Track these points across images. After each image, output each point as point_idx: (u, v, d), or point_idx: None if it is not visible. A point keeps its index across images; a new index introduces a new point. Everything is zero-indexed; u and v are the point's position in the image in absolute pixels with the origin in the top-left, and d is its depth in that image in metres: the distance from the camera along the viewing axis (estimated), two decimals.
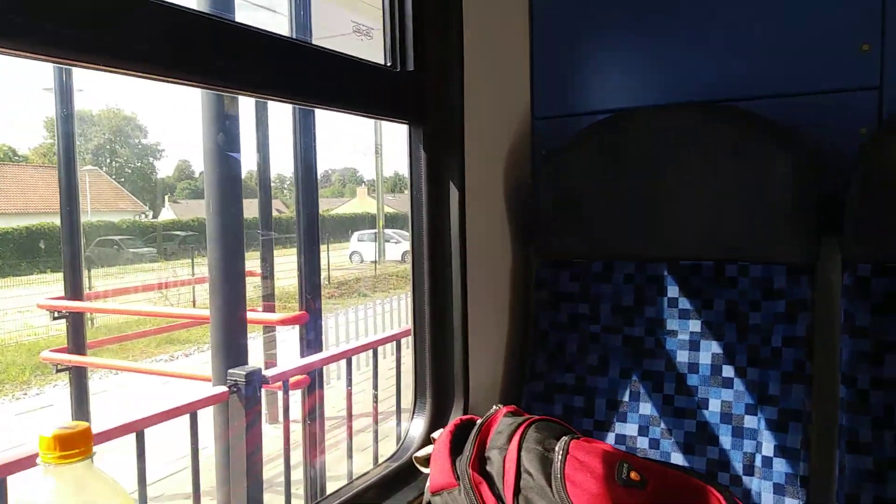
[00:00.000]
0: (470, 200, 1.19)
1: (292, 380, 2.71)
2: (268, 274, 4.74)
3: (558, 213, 1.27)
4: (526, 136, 1.39)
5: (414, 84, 1.14)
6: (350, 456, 2.76)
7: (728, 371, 1.13)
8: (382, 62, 1.13)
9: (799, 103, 1.17)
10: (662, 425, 1.17)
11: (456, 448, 1.04)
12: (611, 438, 1.21)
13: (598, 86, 1.35)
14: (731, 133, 1.13)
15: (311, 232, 3.64)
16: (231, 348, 2.68)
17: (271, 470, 3.21)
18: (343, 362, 2.91)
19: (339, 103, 1.02)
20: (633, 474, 0.96)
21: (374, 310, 7.61)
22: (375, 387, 2.84)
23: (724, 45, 1.23)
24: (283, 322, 3.40)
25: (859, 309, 1.04)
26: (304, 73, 0.93)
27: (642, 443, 1.18)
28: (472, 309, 1.20)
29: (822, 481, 1.10)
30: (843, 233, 1.07)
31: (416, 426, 1.19)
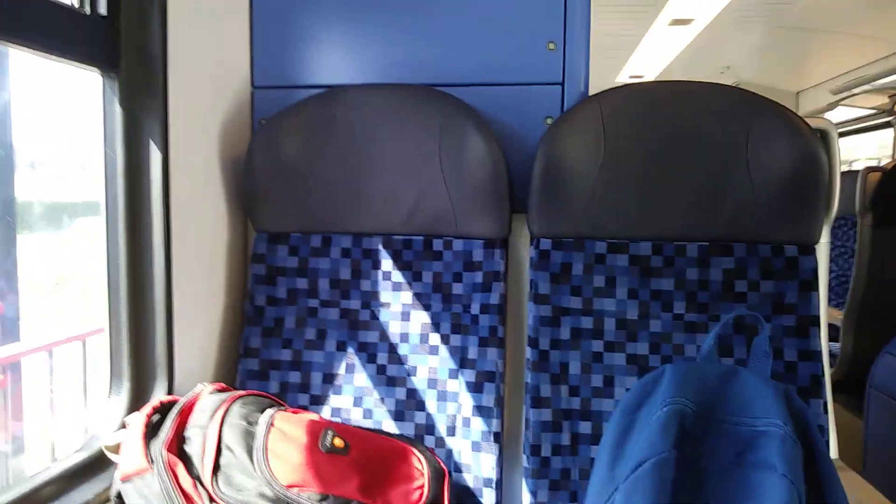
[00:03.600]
0: (178, 167, 1.11)
1: None
2: None
3: (275, 185, 1.24)
4: (244, 105, 1.33)
5: (106, 28, 1.03)
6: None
7: (434, 339, 1.20)
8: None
9: (496, 93, 1.28)
10: (375, 395, 1.21)
11: (153, 431, 0.96)
12: (326, 412, 1.22)
13: (320, 60, 1.34)
14: (436, 116, 1.20)
15: (6, 217, 3.15)
16: None
17: None
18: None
19: (11, 38, 0.89)
20: (336, 441, 0.97)
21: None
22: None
23: (433, 36, 1.30)
24: None
25: (541, 279, 1.17)
26: None
27: (356, 413, 1.21)
28: (179, 283, 1.12)
29: (513, 435, 1.21)
30: (529, 211, 1.19)
31: (112, 412, 1.08)
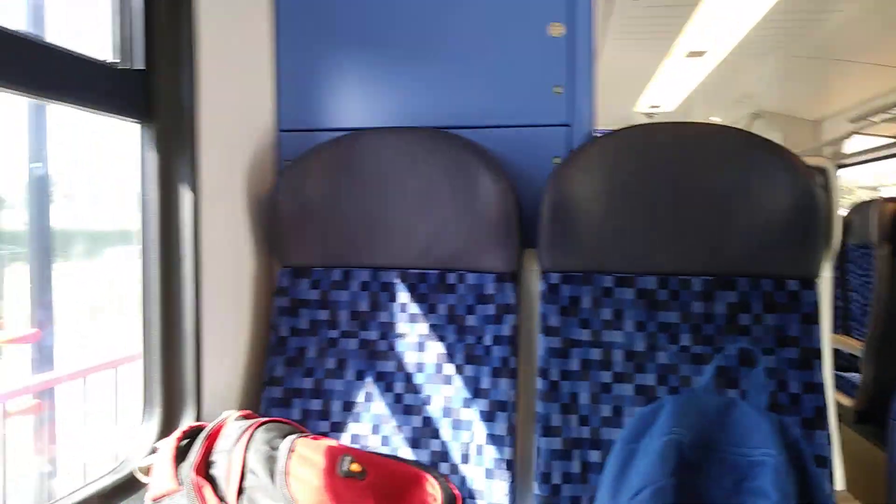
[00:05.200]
0: (207, 207, 1.19)
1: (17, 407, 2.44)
2: None
3: (299, 222, 1.31)
4: (270, 147, 1.42)
5: (143, 82, 1.12)
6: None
7: (449, 369, 1.25)
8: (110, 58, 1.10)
9: (505, 134, 1.35)
10: (393, 422, 1.26)
11: (182, 455, 1.03)
12: (346, 439, 1.27)
13: (341, 105, 1.43)
14: (448, 157, 1.26)
15: (44, 246, 3.28)
16: None
17: None
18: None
19: (60, 98, 0.98)
20: (353, 466, 1.02)
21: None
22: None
23: (446, 82, 1.38)
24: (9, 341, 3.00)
25: (551, 311, 1.22)
26: (21, 65, 0.89)
27: (374, 440, 1.26)
28: (208, 316, 1.19)
29: (525, 463, 1.25)
30: (538, 246, 1.25)
31: (143, 437, 1.15)
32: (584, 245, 1.22)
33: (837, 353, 2.63)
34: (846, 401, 2.58)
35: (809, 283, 1.17)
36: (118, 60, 1.11)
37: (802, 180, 1.14)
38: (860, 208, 2.98)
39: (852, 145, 3.68)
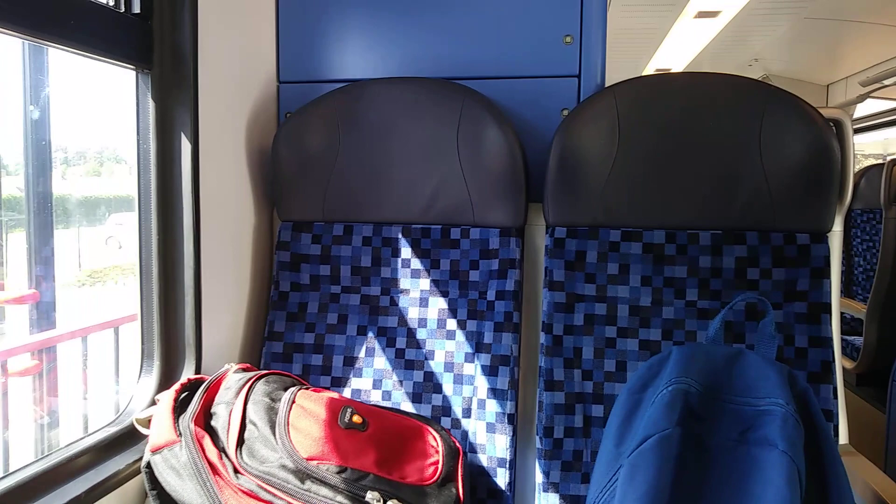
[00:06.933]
0: (207, 158, 1.16)
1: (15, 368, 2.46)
2: None
3: (300, 176, 1.29)
4: (271, 99, 1.38)
5: (140, 27, 1.09)
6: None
7: (451, 324, 1.24)
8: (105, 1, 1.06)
9: (513, 85, 1.32)
10: (394, 377, 1.25)
11: (182, 407, 1.02)
12: (347, 393, 1.26)
13: (343, 56, 1.39)
14: (454, 109, 1.23)
15: (44, 212, 3.26)
16: None
17: None
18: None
19: (52, 39, 0.94)
20: (355, 417, 1.01)
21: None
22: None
23: (452, 30, 1.35)
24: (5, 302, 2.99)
25: (556, 266, 1.20)
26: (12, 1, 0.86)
27: (376, 395, 1.25)
28: (208, 269, 1.18)
29: (527, 417, 1.25)
30: (545, 200, 1.22)
31: (142, 389, 1.14)
32: (590, 199, 1.19)
33: (841, 317, 2.63)
34: (848, 363, 2.58)
35: (820, 236, 1.14)
36: (113, 4, 1.07)
37: (817, 130, 1.11)
38: (868, 172, 2.94)
39: (862, 109, 3.62)
